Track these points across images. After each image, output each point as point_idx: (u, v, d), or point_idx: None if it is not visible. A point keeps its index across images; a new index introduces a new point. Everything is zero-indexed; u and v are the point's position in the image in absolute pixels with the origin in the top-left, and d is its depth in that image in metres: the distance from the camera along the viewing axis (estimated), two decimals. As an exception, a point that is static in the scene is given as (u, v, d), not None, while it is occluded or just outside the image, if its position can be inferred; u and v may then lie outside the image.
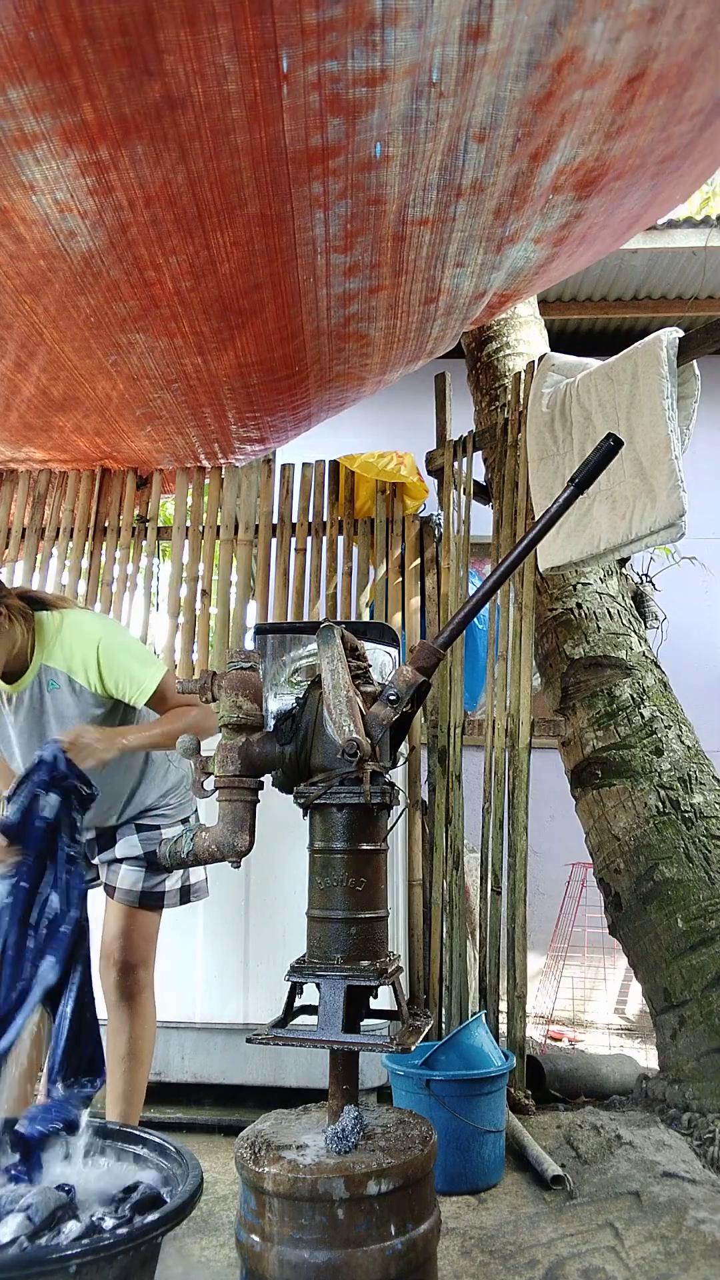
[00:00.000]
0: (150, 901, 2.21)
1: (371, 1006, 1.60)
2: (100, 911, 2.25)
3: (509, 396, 3.59)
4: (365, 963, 1.51)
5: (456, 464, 3.71)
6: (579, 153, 2.34)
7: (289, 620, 3.76)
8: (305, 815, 1.61)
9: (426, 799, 3.48)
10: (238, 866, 1.67)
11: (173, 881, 2.26)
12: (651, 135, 2.34)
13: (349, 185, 2.19)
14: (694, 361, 2.79)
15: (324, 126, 1.98)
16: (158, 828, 2.24)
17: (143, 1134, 1.73)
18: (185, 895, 2.30)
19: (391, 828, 1.65)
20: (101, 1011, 2.20)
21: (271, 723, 1.67)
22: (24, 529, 4.00)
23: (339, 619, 3.64)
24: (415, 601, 3.76)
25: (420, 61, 1.87)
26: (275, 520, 3.95)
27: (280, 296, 2.60)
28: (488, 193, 2.36)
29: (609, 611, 3.37)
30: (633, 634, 3.37)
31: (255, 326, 2.75)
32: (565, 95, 2.10)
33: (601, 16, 1.90)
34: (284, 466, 4.00)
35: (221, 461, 3.93)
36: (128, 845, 2.21)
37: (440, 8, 1.76)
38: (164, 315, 2.63)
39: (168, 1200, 1.50)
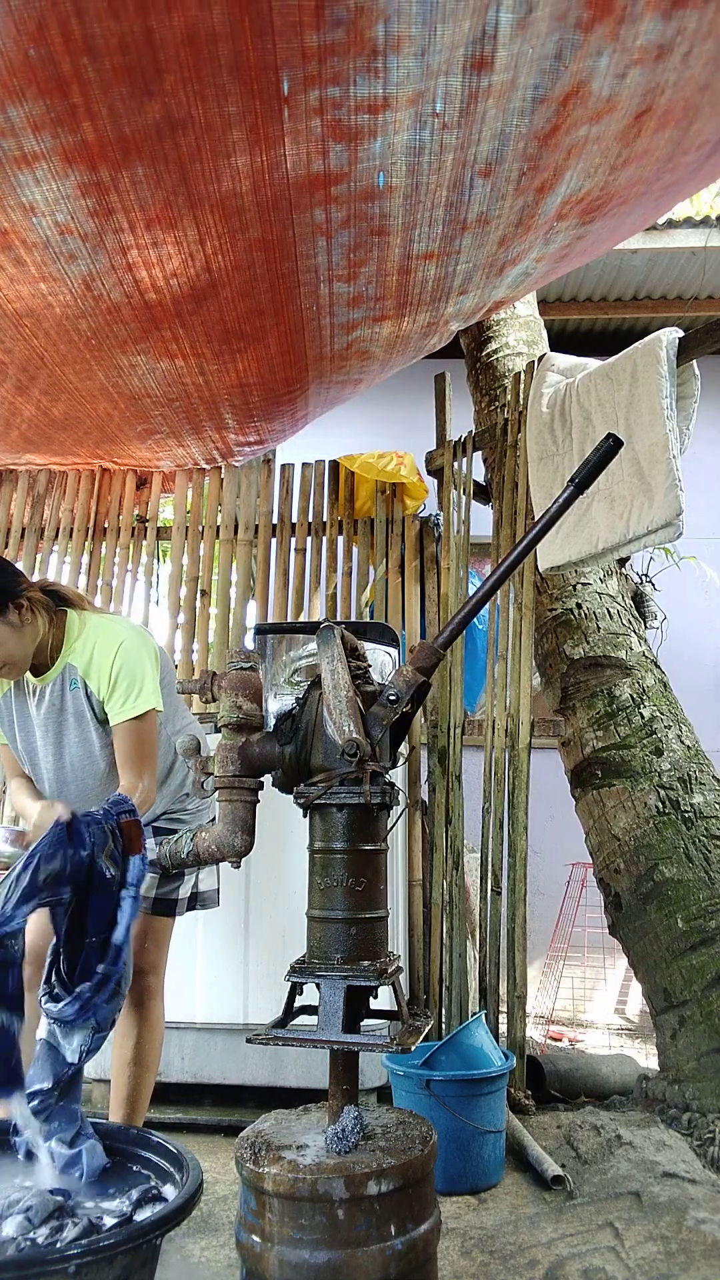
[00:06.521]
0: (163, 908, 2.21)
1: (371, 1006, 1.61)
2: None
3: (509, 397, 3.59)
4: (365, 963, 1.51)
5: (456, 464, 3.71)
6: (585, 184, 2.34)
7: (289, 620, 3.76)
8: (305, 815, 1.61)
9: (426, 799, 3.48)
10: (238, 866, 1.68)
11: (185, 889, 2.26)
12: (657, 166, 2.34)
13: (352, 214, 2.18)
14: (694, 361, 2.78)
15: (326, 152, 1.97)
16: (175, 832, 2.23)
17: (143, 1134, 1.73)
18: (192, 902, 2.30)
19: (391, 828, 1.65)
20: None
21: (271, 723, 1.67)
22: (24, 529, 4.00)
23: (339, 619, 3.64)
24: (415, 602, 3.76)
25: (423, 91, 1.86)
26: (275, 520, 3.95)
27: (283, 324, 2.59)
28: (493, 225, 2.36)
29: (609, 611, 3.37)
30: (633, 634, 3.37)
31: (257, 350, 2.74)
32: (571, 130, 2.09)
33: (607, 51, 1.88)
34: (284, 467, 4.00)
35: (220, 464, 3.93)
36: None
37: (443, 37, 1.74)
38: (165, 338, 2.62)
39: (168, 1201, 1.50)
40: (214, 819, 2.36)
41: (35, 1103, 1.64)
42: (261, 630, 2.65)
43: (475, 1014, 2.67)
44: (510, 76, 1.89)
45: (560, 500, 1.58)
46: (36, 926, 1.99)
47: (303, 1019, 1.61)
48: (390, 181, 2.10)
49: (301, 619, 3.78)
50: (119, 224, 2.11)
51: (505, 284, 2.80)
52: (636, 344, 2.85)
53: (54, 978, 1.69)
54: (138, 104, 1.78)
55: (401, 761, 3.27)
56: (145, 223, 2.11)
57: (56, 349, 2.66)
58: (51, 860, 1.61)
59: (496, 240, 2.44)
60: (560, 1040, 3.94)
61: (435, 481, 3.84)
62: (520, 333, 3.85)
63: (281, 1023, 1.57)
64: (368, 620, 3.66)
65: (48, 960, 1.72)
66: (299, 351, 2.77)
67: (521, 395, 3.45)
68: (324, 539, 3.91)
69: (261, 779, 1.66)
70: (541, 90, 1.96)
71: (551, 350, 3.63)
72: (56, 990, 1.68)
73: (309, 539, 3.91)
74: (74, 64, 1.67)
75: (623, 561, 3.66)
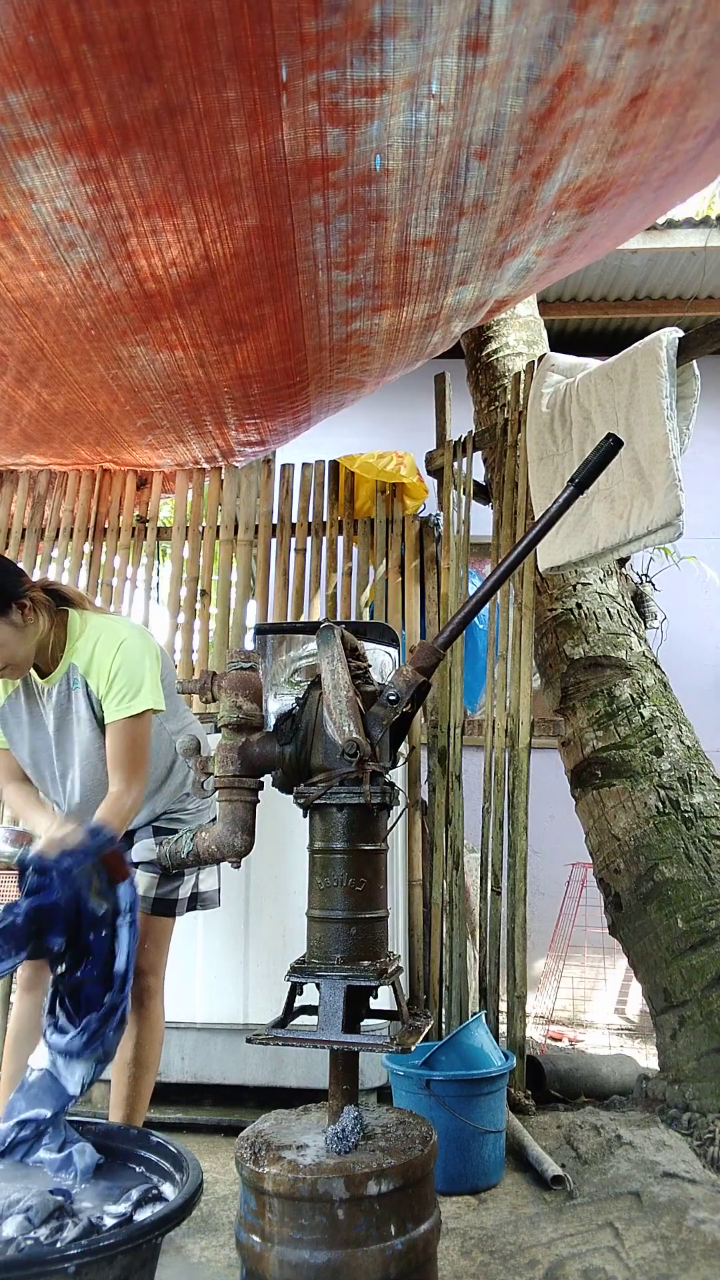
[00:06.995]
0: (163, 909, 2.21)
1: (371, 1006, 1.61)
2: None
3: (509, 397, 3.59)
4: (365, 963, 1.51)
5: (456, 464, 3.71)
6: (582, 171, 2.33)
7: (289, 620, 3.76)
8: (305, 815, 1.61)
9: (426, 799, 3.48)
10: (238, 867, 1.68)
11: (185, 889, 2.26)
12: (655, 153, 2.34)
13: (349, 199, 2.18)
14: (694, 361, 2.78)
15: (323, 136, 1.97)
16: (175, 832, 2.23)
17: (143, 1134, 1.73)
18: (193, 903, 2.29)
19: (391, 828, 1.65)
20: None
21: (271, 723, 1.67)
22: (24, 529, 4.00)
23: (339, 619, 3.64)
24: (415, 602, 3.76)
25: (419, 72, 1.86)
26: (275, 520, 3.95)
27: (282, 312, 2.59)
28: (490, 211, 2.35)
29: (609, 611, 3.38)
30: (632, 634, 3.37)
31: (256, 340, 2.74)
32: (567, 112, 2.09)
33: (601, 32, 1.88)
34: (284, 467, 4.00)
35: (221, 464, 3.94)
36: (143, 849, 2.21)
37: (439, 18, 1.74)
38: (165, 328, 2.62)
39: (168, 1201, 1.50)
40: (214, 819, 2.37)
41: (28, 1130, 1.65)
42: (261, 630, 2.65)
43: (475, 1014, 2.67)
44: (505, 57, 1.89)
45: (560, 500, 1.58)
46: None
47: (303, 1019, 1.61)
48: (387, 164, 2.09)
49: (301, 619, 3.78)
50: (118, 210, 2.11)
51: (506, 279, 2.79)
52: (636, 344, 2.85)
53: (58, 1008, 1.69)
54: (137, 90, 1.78)
55: (401, 761, 3.27)
56: (144, 209, 2.12)
57: (56, 339, 2.66)
58: (37, 914, 1.64)
59: (494, 228, 2.43)
60: (560, 1040, 3.94)
61: (435, 481, 3.84)
62: (520, 333, 3.85)
63: (281, 1023, 1.57)
64: (368, 620, 3.66)
65: (49, 992, 1.72)
66: (298, 341, 2.77)
67: (521, 395, 3.45)
68: (324, 539, 3.91)
69: (261, 779, 1.66)
70: (536, 70, 1.95)
71: (551, 350, 3.63)
72: (61, 1022, 1.68)
73: (309, 539, 3.91)
74: (73, 51, 1.67)
75: (623, 561, 3.66)
